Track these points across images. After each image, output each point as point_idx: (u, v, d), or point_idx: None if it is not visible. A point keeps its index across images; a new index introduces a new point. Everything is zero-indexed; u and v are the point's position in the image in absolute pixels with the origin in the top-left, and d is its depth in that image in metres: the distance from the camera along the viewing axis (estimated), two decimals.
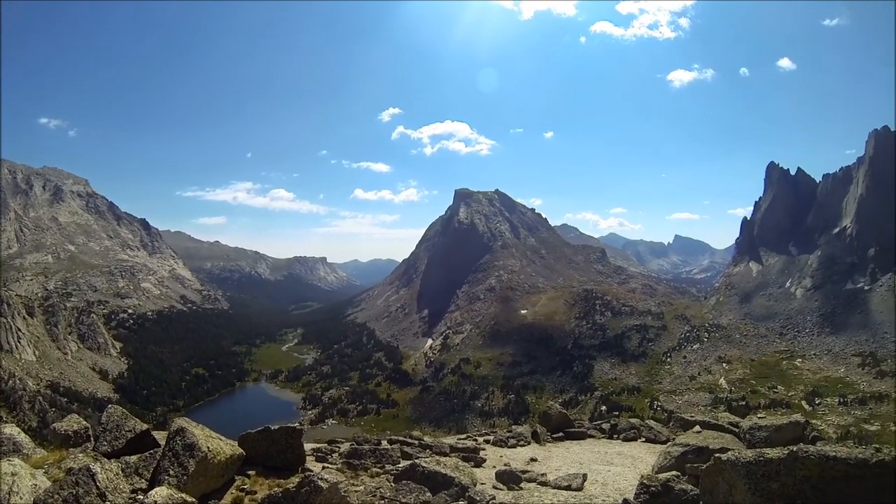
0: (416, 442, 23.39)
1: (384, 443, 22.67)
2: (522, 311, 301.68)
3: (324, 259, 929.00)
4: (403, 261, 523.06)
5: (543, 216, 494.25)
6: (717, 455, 10.98)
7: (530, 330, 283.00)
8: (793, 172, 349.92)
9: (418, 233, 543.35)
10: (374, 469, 17.75)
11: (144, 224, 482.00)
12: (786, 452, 9.50)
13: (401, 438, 24.13)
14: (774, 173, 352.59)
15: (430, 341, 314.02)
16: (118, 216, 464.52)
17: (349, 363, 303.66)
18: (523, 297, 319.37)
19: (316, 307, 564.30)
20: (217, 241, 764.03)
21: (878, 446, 9.49)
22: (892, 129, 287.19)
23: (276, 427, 15.31)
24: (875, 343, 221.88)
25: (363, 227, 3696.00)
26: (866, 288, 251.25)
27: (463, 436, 30.75)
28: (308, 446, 20.11)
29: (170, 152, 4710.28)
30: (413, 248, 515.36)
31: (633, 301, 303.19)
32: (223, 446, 13.60)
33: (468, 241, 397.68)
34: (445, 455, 20.91)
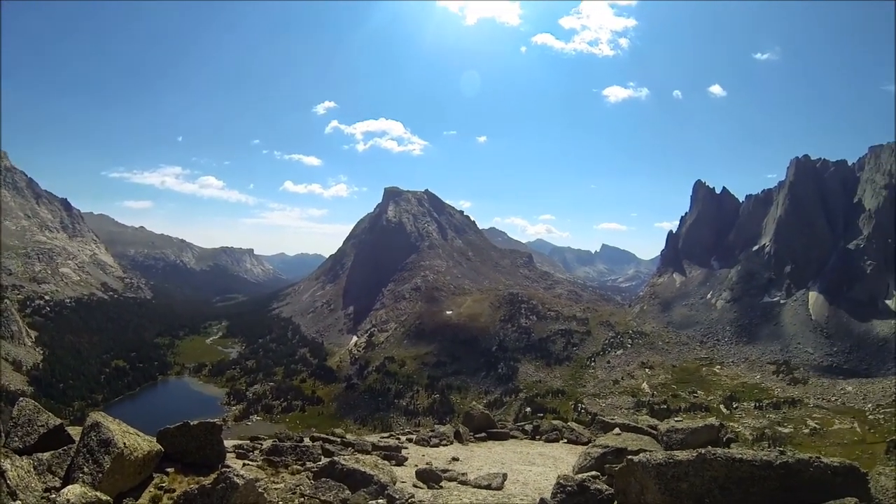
0: (339, 440, 23.21)
1: (306, 440, 22.46)
2: (448, 312, 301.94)
3: (251, 251, 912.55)
4: (330, 256, 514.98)
5: (472, 219, 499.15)
6: (629, 457, 11.26)
7: (455, 331, 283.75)
8: (718, 191, 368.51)
9: (346, 228, 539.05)
10: (294, 466, 17.51)
11: (66, 204, 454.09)
12: (694, 455, 9.87)
13: (323, 436, 23.90)
14: (701, 191, 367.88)
15: (355, 338, 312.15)
16: (38, 194, 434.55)
17: (274, 358, 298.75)
18: (449, 298, 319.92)
19: (241, 300, 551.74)
20: (142, 227, 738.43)
21: (782, 449, 10.98)
22: (812, 158, 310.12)
23: (196, 422, 14.74)
24: (788, 352, 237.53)
25: (291, 221, 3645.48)
26: (782, 302, 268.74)
27: (386, 434, 30.84)
28: (230, 443, 19.79)
29: (96, 126, 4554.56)
30: (340, 243, 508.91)
31: (559, 306, 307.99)
32: (141, 442, 13.12)
33: (396, 239, 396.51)
34: (367, 453, 20.82)
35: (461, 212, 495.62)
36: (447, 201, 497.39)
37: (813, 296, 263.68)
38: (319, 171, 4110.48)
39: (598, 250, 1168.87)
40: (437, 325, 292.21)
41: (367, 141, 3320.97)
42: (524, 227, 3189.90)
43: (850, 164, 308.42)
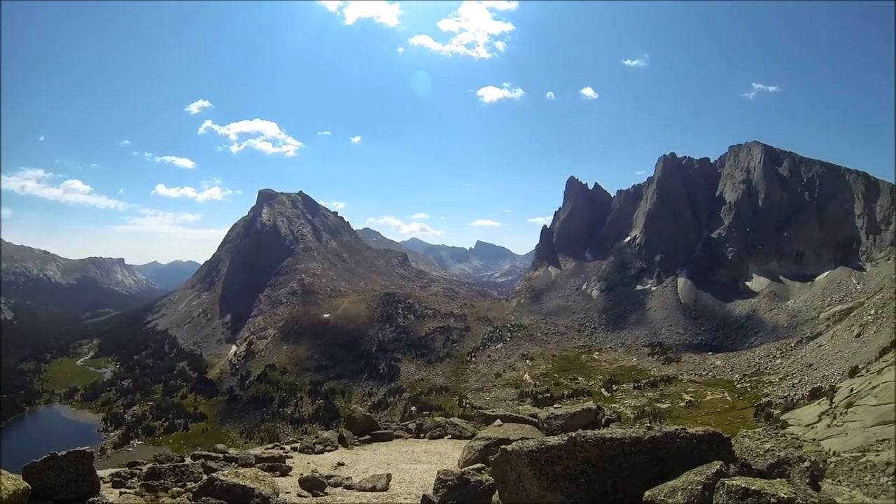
0: (221, 455, 22.31)
1: (187, 459, 21.65)
2: (325, 315, 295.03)
3: (121, 260, 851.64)
4: (205, 263, 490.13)
5: (346, 220, 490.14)
6: (502, 446, 11.44)
7: (334, 333, 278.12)
8: (590, 187, 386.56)
9: (221, 233, 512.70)
10: (174, 489, 16.63)
11: None
12: (566, 439, 10.09)
13: (205, 453, 22.84)
14: (574, 187, 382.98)
15: (234, 348, 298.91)
16: None
17: (152, 375, 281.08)
18: (326, 301, 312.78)
19: (114, 314, 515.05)
20: None
21: (649, 425, 11.58)
22: (678, 155, 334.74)
23: (63, 453, 13.51)
24: (661, 334, 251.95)
25: (164, 227, 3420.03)
26: (653, 288, 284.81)
27: (271, 445, 29.40)
28: (106, 472, 18.57)
29: None
30: (215, 249, 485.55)
31: (436, 304, 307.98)
32: (4, 482, 12.27)
33: (271, 243, 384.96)
34: (250, 466, 20.05)
35: (335, 213, 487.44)
36: (321, 203, 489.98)
37: (681, 281, 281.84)
38: (193, 173, 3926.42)
39: (472, 247, 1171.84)
40: (315, 329, 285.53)
41: (241, 142, 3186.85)
42: (398, 227, 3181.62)
43: (712, 161, 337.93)
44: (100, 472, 15.24)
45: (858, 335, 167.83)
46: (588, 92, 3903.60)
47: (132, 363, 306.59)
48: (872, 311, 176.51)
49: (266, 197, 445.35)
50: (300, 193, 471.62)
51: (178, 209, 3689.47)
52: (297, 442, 27.29)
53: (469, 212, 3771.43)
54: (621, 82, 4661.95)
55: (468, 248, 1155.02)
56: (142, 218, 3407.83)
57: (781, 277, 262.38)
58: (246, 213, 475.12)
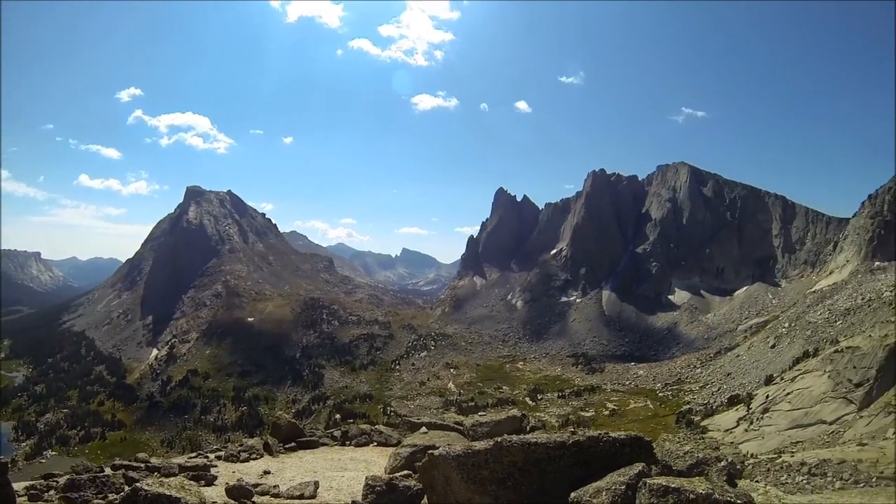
0: (143, 465, 21.81)
1: (107, 470, 21.12)
2: (249, 319, 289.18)
3: (38, 254, 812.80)
4: (127, 261, 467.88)
5: (273, 221, 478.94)
6: (430, 451, 11.71)
7: (258, 338, 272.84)
8: (519, 199, 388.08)
9: (145, 230, 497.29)
10: (95, 501, 16.71)
11: None
12: (491, 443, 10.43)
13: (126, 463, 22.43)
14: (502, 198, 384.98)
15: (155, 351, 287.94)
16: None
17: (67, 380, 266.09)
18: (250, 304, 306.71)
19: (27, 312, 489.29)
20: None
21: (573, 430, 11.64)
22: (608, 172, 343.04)
23: None
24: (586, 345, 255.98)
25: (85, 220, 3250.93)
26: (578, 300, 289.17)
27: (194, 454, 28.91)
28: (20, 485, 18.20)
29: None
30: (138, 246, 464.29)
31: (361, 310, 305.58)
32: None
33: (196, 242, 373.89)
34: (173, 475, 19.30)
35: (263, 214, 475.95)
36: (250, 203, 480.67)
37: (606, 294, 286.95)
38: (119, 164, 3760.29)
39: (398, 254, 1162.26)
40: (240, 333, 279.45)
41: (171, 135, 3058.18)
42: (325, 231, 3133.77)
43: (640, 178, 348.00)
44: (13, 486, 14.93)
45: (773, 346, 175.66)
46: (522, 105, 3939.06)
47: (46, 367, 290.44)
48: (786, 324, 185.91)
49: (194, 194, 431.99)
50: (229, 192, 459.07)
51: (102, 202, 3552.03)
52: (221, 450, 26.94)
53: (396, 218, 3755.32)
54: (555, 98, 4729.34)
55: (394, 256, 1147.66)
56: (62, 209, 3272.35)
57: (702, 292, 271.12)
58: (172, 210, 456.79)
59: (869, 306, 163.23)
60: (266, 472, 21.30)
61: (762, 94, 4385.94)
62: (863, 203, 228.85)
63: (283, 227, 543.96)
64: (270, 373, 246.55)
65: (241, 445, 26.71)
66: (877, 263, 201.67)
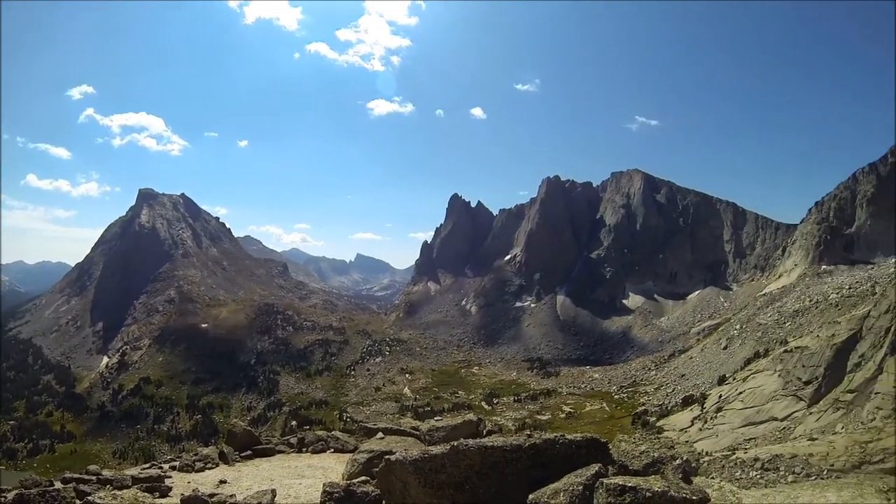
0: (94, 478, 20.73)
1: (57, 483, 19.84)
2: (203, 325, 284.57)
3: None
4: (77, 265, 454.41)
5: (227, 226, 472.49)
6: (387, 457, 11.94)
7: (213, 344, 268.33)
8: (473, 205, 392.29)
9: (96, 233, 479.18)
10: None
11: None
12: (448, 448, 10.55)
13: (76, 476, 21.19)
14: (456, 204, 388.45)
15: (105, 359, 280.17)
16: None
17: (13, 390, 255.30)
18: (204, 310, 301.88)
19: None
20: None
21: (529, 433, 11.25)
22: (562, 178, 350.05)
23: None
24: (541, 350, 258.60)
25: (34, 222, 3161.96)
26: (532, 305, 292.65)
27: (147, 465, 27.87)
28: None
29: None
30: (88, 250, 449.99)
31: (315, 316, 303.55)
32: None
33: (148, 247, 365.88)
34: (126, 488, 19.08)
35: (217, 218, 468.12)
36: (204, 207, 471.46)
37: (560, 299, 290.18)
38: (69, 165, 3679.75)
39: (353, 260, 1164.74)
40: (193, 339, 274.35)
41: (124, 136, 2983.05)
42: (280, 236, 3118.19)
43: (594, 185, 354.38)
44: None
45: (725, 347, 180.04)
46: (477, 112, 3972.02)
47: None
48: (738, 326, 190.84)
49: (146, 197, 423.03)
50: (182, 196, 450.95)
51: (51, 203, 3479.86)
52: (175, 460, 26.22)
53: (351, 224, 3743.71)
54: (511, 105, 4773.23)
55: (348, 261, 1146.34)
56: (9, 211, 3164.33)
57: (656, 296, 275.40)
58: (124, 213, 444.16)
59: (816, 308, 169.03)
60: (222, 482, 20.97)
61: (714, 103, 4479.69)
62: (810, 210, 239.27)
63: (238, 232, 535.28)
64: (225, 380, 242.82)
65: (195, 455, 26.14)
66: (823, 267, 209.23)
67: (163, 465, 25.45)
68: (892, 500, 10.05)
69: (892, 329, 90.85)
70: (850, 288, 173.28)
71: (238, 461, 25.57)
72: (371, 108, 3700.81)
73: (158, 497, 18.11)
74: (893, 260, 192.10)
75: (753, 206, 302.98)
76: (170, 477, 21.78)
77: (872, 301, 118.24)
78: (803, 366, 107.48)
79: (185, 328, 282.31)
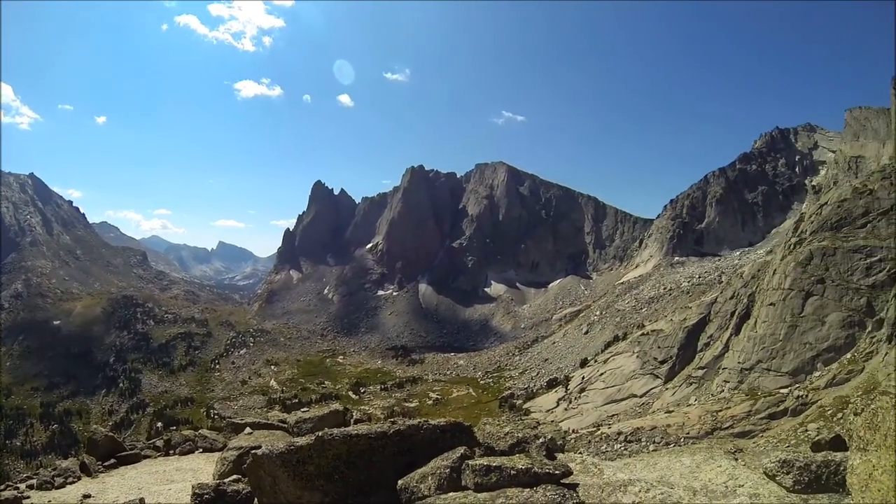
0: None
1: None
2: (56, 322, 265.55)
3: None
4: None
5: (81, 211, 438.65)
6: (253, 451, 11.73)
7: (67, 344, 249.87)
8: (336, 192, 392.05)
9: None
10: None
11: None
12: (313, 438, 10.67)
13: None
14: (319, 191, 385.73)
15: None
16: None
17: None
18: (56, 305, 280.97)
19: None
20: None
21: (393, 420, 11.62)
22: (426, 168, 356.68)
23: None
24: (405, 338, 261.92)
25: None
26: (394, 294, 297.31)
27: (2, 486, 25.73)
28: None
29: None
30: None
31: (177, 308, 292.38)
32: None
33: None
34: None
35: (70, 202, 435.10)
36: (55, 189, 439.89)
37: (422, 287, 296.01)
38: None
39: (214, 248, 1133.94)
40: (45, 339, 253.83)
41: None
42: (139, 222, 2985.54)
43: (458, 176, 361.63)
44: None
45: (587, 332, 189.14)
46: (345, 99, 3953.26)
47: None
48: (598, 312, 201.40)
49: None
50: (31, 176, 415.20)
51: None
52: (32, 478, 25.00)
53: (213, 210, 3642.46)
54: (379, 93, 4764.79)
55: (210, 249, 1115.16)
56: None
57: (518, 284, 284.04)
58: None
59: (670, 295, 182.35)
60: (86, 496, 20.00)
61: (580, 102, 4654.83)
62: (665, 206, 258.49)
63: (93, 218, 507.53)
64: (82, 382, 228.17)
65: (54, 469, 24.95)
66: (676, 258, 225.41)
67: (19, 484, 24.28)
68: (739, 460, 12.19)
69: (737, 312, 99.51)
70: (699, 277, 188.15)
71: (102, 471, 24.60)
72: (238, 90, 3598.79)
73: None
74: (738, 253, 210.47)
75: (613, 201, 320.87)
76: (27, 497, 20.92)
77: (719, 289, 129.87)
78: (659, 347, 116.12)
79: (35, 326, 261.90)
